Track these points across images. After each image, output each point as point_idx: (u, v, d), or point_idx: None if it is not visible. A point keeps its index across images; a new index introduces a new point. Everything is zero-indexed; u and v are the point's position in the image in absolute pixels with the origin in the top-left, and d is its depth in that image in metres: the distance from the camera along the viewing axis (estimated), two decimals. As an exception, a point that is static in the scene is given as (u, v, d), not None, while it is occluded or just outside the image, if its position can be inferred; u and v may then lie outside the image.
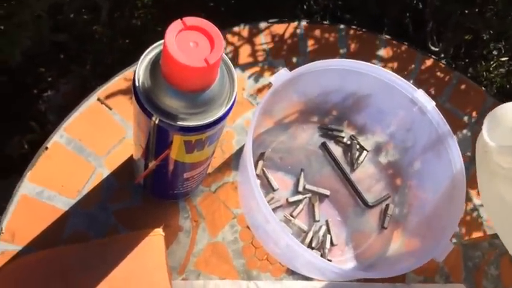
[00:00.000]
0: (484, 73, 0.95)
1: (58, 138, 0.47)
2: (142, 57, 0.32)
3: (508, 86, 0.94)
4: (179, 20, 0.29)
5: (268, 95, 0.43)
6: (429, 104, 0.47)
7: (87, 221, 0.45)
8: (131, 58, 0.52)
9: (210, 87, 0.31)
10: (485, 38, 0.92)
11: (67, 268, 0.41)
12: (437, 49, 0.89)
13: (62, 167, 0.46)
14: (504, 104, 0.37)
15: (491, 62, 0.96)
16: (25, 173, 0.45)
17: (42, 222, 0.44)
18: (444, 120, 0.46)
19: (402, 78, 0.47)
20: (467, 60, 0.95)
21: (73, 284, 0.40)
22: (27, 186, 0.45)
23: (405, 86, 0.47)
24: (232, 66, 0.33)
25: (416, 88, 0.47)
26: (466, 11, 0.82)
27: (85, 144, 0.48)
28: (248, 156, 0.40)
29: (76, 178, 0.46)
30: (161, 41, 0.33)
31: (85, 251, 0.42)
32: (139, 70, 0.32)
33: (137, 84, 0.32)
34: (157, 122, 0.32)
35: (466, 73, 0.91)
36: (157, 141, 0.34)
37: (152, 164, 0.38)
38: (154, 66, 0.32)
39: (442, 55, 0.88)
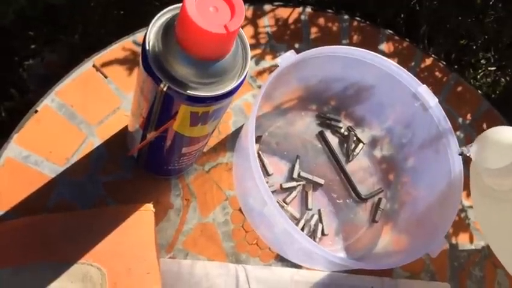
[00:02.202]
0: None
1: (49, 102, 0.45)
2: (154, 20, 0.31)
3: (493, 96, 0.96)
4: (199, -17, 0.28)
5: (272, 77, 0.42)
6: (432, 100, 0.47)
7: (74, 190, 0.43)
8: (124, 31, 0.50)
9: (223, 58, 0.30)
10: (476, 46, 0.93)
11: (49, 237, 0.39)
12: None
13: (51, 132, 0.44)
14: (494, 128, 0.38)
15: (479, 71, 0.97)
16: (12, 135, 0.43)
17: (27, 187, 0.42)
18: (446, 118, 0.46)
19: (406, 71, 0.47)
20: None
21: (54, 254, 0.39)
22: (14, 149, 0.42)
23: (410, 80, 0.47)
24: (246, 39, 0.32)
25: (420, 83, 0.47)
26: (462, 16, 0.83)
27: (77, 110, 0.45)
28: (250, 138, 0.39)
29: (66, 145, 0.44)
30: (176, 5, 0.31)
31: (70, 220, 0.40)
32: (150, 33, 0.31)
33: (147, 47, 0.30)
34: (165, 89, 0.30)
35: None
36: (162, 110, 0.33)
37: (150, 135, 0.37)
38: (167, 30, 0.30)
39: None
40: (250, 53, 0.32)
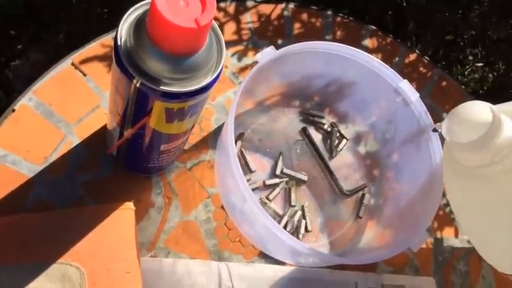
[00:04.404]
0: (459, 77, 0.96)
1: (26, 102, 0.44)
2: (126, 15, 0.31)
3: (480, 91, 0.96)
4: (170, -22, 0.28)
5: (252, 73, 0.42)
6: (413, 95, 0.47)
7: (52, 190, 0.42)
8: (108, 28, 0.49)
9: (196, 53, 0.30)
10: (463, 42, 0.93)
11: (27, 237, 0.39)
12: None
13: (29, 131, 0.43)
14: (465, 103, 0.38)
15: (467, 67, 0.97)
16: (-12, 134, 0.42)
17: (4, 187, 0.41)
18: (427, 113, 0.46)
19: (388, 67, 0.47)
20: (443, 63, 0.97)
21: (32, 254, 0.38)
22: (-10, 149, 0.42)
23: (391, 75, 0.47)
24: (221, 34, 0.32)
25: (401, 78, 0.47)
26: (449, 12, 0.83)
27: (55, 109, 0.45)
28: (229, 134, 0.39)
29: (44, 144, 0.43)
30: (148, 0, 0.31)
31: (49, 220, 0.40)
32: (122, 29, 0.30)
33: (118, 43, 0.30)
34: (138, 85, 0.30)
35: (441, 75, 0.92)
36: (136, 107, 0.32)
37: (127, 133, 0.36)
38: (139, 26, 0.30)
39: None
40: (225, 48, 0.32)
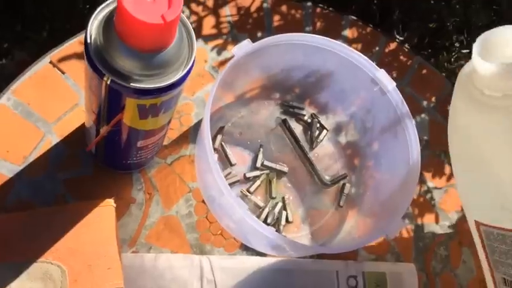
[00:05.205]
0: (445, 64, 0.97)
1: (5, 101, 0.44)
2: (95, 13, 0.31)
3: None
4: (135, -26, 0.28)
5: (228, 67, 0.42)
6: (390, 84, 0.47)
7: (33, 189, 0.42)
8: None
9: (166, 48, 0.30)
10: (449, 28, 0.94)
11: (8, 236, 0.39)
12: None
13: (7, 131, 0.44)
14: (504, 26, 0.35)
15: (453, 54, 0.98)
16: (-34, 135, 0.42)
17: (-17, 188, 0.41)
18: (404, 102, 0.46)
19: (365, 57, 0.47)
20: (429, 50, 0.97)
21: (13, 254, 0.38)
22: (-32, 150, 0.42)
23: (368, 65, 0.47)
24: (192, 29, 0.32)
25: (378, 68, 0.47)
26: (433, 0, 0.83)
27: (34, 108, 0.45)
28: (206, 129, 0.39)
29: (23, 144, 0.44)
30: (117, -3, 0.31)
31: (29, 219, 0.40)
32: (91, 27, 0.30)
33: (88, 41, 0.30)
34: (109, 82, 0.30)
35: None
36: (109, 104, 0.33)
37: (103, 130, 0.36)
38: (108, 23, 0.30)
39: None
40: (195, 42, 0.32)
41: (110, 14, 0.30)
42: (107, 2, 0.31)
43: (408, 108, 0.46)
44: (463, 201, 0.42)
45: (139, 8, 0.27)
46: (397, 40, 0.61)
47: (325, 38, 0.46)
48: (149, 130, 0.37)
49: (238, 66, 0.44)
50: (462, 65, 1.01)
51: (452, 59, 0.99)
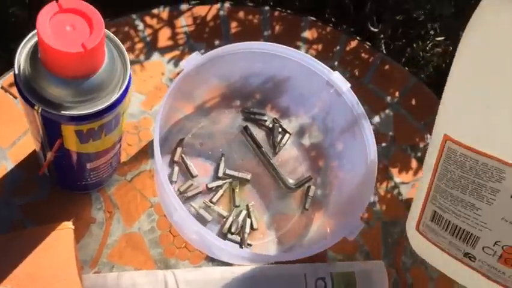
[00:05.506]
0: (421, 53, 0.97)
1: (-43, 130, 0.44)
2: (23, 43, 0.30)
3: (443, 65, 0.97)
4: (54, 2, 0.27)
5: (177, 81, 0.42)
6: (344, 85, 0.47)
7: (-10, 216, 0.42)
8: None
9: (95, 73, 0.30)
10: (420, 18, 0.94)
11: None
12: (376, 30, 0.90)
13: (-38, 160, 0.43)
14: None
15: (428, 42, 0.98)
16: None
17: None
18: (359, 102, 0.46)
19: (318, 61, 0.47)
20: (404, 41, 0.97)
21: (-27, 283, 0.38)
22: None
23: (322, 69, 0.47)
24: (124, 49, 0.32)
25: (331, 70, 0.47)
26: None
27: (-12, 135, 0.45)
28: (155, 145, 0.39)
29: (-22, 172, 0.43)
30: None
31: (-14, 247, 0.40)
32: (20, 57, 0.30)
33: (17, 72, 0.30)
34: (40, 111, 0.30)
35: (403, 53, 0.93)
36: (47, 131, 0.33)
37: (49, 156, 0.36)
38: (35, 53, 0.30)
39: (382, 36, 0.89)
40: (129, 63, 0.32)
41: (36, 44, 0.30)
42: (34, 32, 0.31)
43: (363, 109, 0.46)
44: (441, 111, 0.40)
45: (59, 38, 0.27)
46: (357, 38, 0.61)
47: (274, 44, 0.46)
48: (95, 152, 0.37)
49: (193, 78, 0.44)
50: (438, 53, 1.00)
51: (428, 48, 0.99)
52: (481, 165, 0.37)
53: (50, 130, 0.32)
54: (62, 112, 0.30)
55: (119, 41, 0.32)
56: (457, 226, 0.40)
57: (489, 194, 0.38)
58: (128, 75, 0.32)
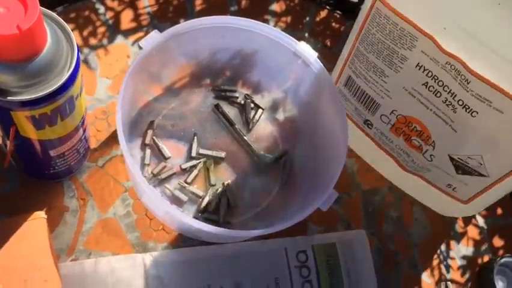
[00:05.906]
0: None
1: None
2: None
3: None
4: (-15, -16, 0.27)
5: (138, 60, 0.41)
6: (311, 56, 0.46)
7: (-39, 212, 0.42)
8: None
9: (38, 55, 0.29)
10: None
11: None
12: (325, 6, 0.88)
13: None
14: None
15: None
16: None
17: None
18: (327, 72, 0.45)
19: (282, 32, 0.46)
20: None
21: None
22: None
23: (287, 40, 0.46)
24: (69, 29, 0.31)
25: (297, 41, 0.46)
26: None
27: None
28: (119, 128, 0.38)
29: None
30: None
31: (-41, 243, 0.40)
32: (-38, 44, 0.29)
33: (-41, 59, 0.29)
34: (-14, 99, 0.29)
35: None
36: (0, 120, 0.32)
37: (9, 146, 0.36)
38: (-25, 39, 0.29)
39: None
40: (76, 44, 0.31)
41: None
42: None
43: (331, 78, 0.45)
44: None
45: (-8, 20, 0.26)
46: (327, 7, 0.60)
47: (237, 17, 0.45)
48: (58, 138, 0.36)
49: (160, 56, 0.43)
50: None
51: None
52: (399, 30, 0.38)
53: (2, 118, 0.31)
54: (9, 98, 0.29)
55: (63, 21, 0.31)
56: (364, 92, 0.43)
57: (398, 61, 0.39)
58: (75, 55, 0.31)
